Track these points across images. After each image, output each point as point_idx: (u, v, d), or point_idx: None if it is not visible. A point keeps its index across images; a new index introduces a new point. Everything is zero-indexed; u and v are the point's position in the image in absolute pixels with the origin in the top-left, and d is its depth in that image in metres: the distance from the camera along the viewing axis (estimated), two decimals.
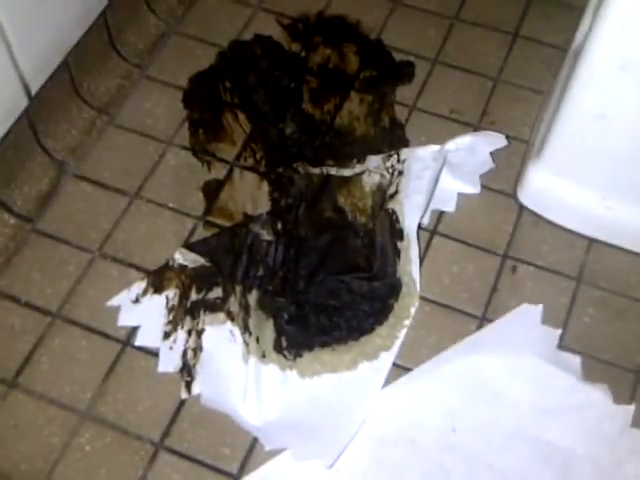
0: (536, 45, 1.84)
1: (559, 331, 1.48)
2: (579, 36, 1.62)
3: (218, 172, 1.66)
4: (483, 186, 1.65)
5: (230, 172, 1.65)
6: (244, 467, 1.38)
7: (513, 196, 1.63)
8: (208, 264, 1.53)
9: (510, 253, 1.58)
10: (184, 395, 1.43)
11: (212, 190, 1.63)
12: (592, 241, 1.59)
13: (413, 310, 1.50)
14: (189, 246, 1.56)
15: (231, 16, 1.88)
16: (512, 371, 1.44)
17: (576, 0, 1.70)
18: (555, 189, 1.57)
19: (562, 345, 1.48)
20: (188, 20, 1.87)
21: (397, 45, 1.84)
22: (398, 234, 1.55)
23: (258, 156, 1.67)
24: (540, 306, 1.51)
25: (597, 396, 1.42)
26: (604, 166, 1.50)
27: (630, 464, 1.38)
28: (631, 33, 1.30)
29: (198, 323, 1.48)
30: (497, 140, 1.66)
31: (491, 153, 1.66)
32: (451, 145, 1.64)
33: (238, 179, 1.65)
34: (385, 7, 1.90)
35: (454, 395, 1.43)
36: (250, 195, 1.62)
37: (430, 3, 1.91)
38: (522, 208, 1.62)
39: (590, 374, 1.44)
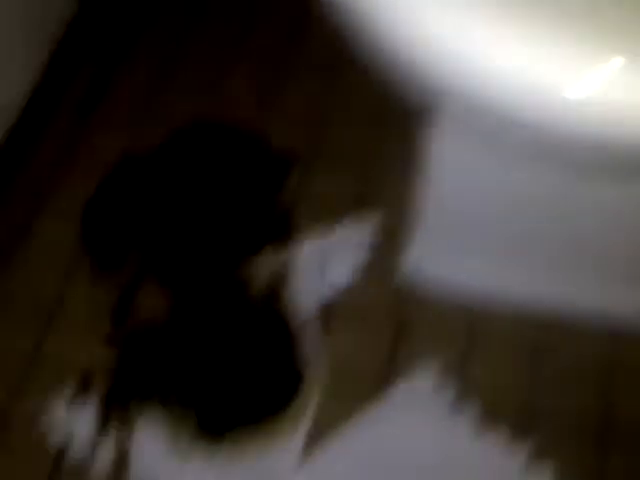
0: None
1: (453, 390, 1.61)
2: None
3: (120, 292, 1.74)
4: (369, 270, 1.76)
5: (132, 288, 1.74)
6: None
7: (398, 275, 1.74)
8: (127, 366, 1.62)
9: (401, 328, 1.69)
10: None
11: (118, 311, 1.72)
12: (475, 307, 1.69)
13: (317, 391, 1.62)
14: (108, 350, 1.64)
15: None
16: (415, 433, 1.56)
17: None
18: (435, 264, 1.72)
19: (457, 403, 1.59)
20: None
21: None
22: (293, 324, 1.67)
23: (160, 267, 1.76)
24: (433, 370, 1.62)
25: (492, 447, 1.55)
26: (472, 236, 1.66)
27: None
28: None
29: (125, 424, 1.57)
30: (376, 225, 1.81)
31: (372, 238, 1.80)
32: (334, 234, 1.79)
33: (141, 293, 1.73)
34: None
35: (364, 468, 1.54)
36: (152, 304, 1.71)
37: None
38: (408, 286, 1.73)
39: (485, 427, 1.57)
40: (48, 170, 1.91)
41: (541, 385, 1.62)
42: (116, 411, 1.58)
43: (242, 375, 1.62)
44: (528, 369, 1.64)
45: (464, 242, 1.67)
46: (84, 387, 1.61)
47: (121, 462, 1.53)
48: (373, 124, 1.97)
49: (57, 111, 1.98)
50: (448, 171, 1.57)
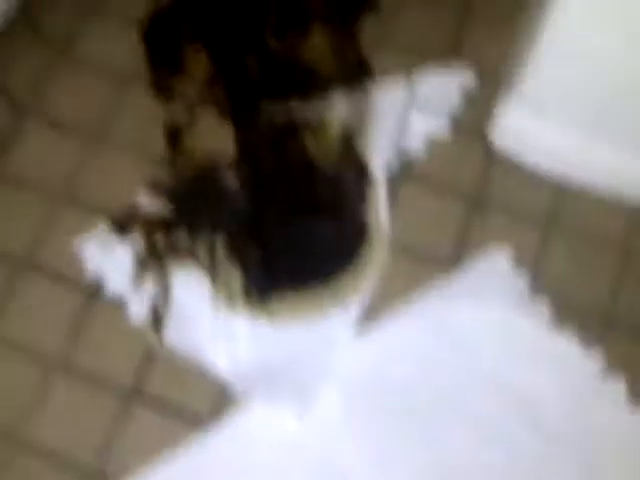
0: None
1: (528, 276, 1.48)
2: None
3: (180, 114, 1.62)
4: (453, 126, 1.62)
5: (192, 112, 1.62)
6: (215, 417, 1.39)
7: (484, 137, 1.60)
8: (173, 209, 1.51)
9: (480, 197, 1.56)
10: (154, 342, 1.42)
11: (174, 132, 1.60)
12: (563, 185, 1.57)
13: (381, 255, 1.49)
14: (153, 190, 1.53)
15: None
16: (482, 319, 1.45)
17: None
18: (530, 130, 1.54)
19: (531, 290, 1.47)
20: None
21: None
22: (366, 177, 1.53)
23: (220, 97, 1.63)
24: (509, 251, 1.50)
25: (566, 344, 1.43)
26: (585, 106, 1.48)
27: (598, 409, 1.40)
28: None
29: (165, 271, 1.47)
30: (466, 78, 1.64)
31: (461, 90, 1.63)
32: (419, 82, 1.62)
33: (201, 122, 1.61)
34: None
35: (423, 343, 1.44)
36: (214, 137, 1.59)
37: None
38: (493, 150, 1.60)
39: (559, 319, 1.45)
40: None
41: (623, 292, 1.50)
42: (157, 254, 1.49)
43: (302, 224, 1.51)
44: (612, 271, 1.52)
45: (561, 112, 1.51)
46: (124, 225, 1.51)
47: (160, 307, 1.44)
48: None
49: None
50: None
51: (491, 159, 1.59)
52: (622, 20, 1.32)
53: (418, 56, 1.68)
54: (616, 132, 1.48)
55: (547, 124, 1.53)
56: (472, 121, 1.62)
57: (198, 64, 1.63)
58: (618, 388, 1.40)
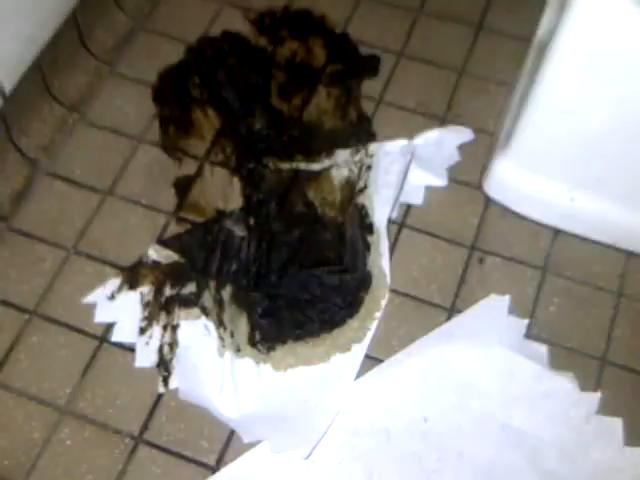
0: (500, 37, 1.87)
1: (526, 321, 1.53)
2: (542, 28, 1.66)
3: (189, 168, 1.68)
4: (450, 179, 1.68)
5: (201, 168, 1.68)
6: (222, 459, 1.41)
7: (480, 188, 1.67)
8: (182, 260, 1.56)
9: (477, 245, 1.62)
10: (161, 389, 1.46)
11: (184, 186, 1.66)
12: (557, 232, 1.62)
13: (384, 302, 1.54)
14: (162, 242, 1.58)
15: (198, 12, 1.89)
16: (481, 360, 1.48)
17: None
18: (521, 181, 1.61)
19: (529, 334, 1.52)
20: (156, 17, 1.89)
21: (362, 38, 1.86)
22: (368, 228, 1.59)
23: (228, 151, 1.69)
24: (507, 296, 1.55)
25: (563, 384, 1.46)
26: (570, 159, 1.54)
27: (595, 449, 1.42)
28: (597, 30, 1.33)
29: (173, 318, 1.51)
30: (463, 134, 1.71)
31: (458, 146, 1.70)
32: (419, 139, 1.69)
33: (209, 175, 1.67)
34: (350, 0, 1.92)
35: (425, 385, 1.47)
36: (221, 191, 1.65)
37: None
38: (489, 200, 1.66)
39: (557, 362, 1.49)
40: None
41: (619, 327, 1.55)
42: (165, 302, 1.53)
43: (306, 273, 1.56)
44: (606, 315, 1.56)
45: (550, 165, 1.58)
46: (133, 275, 1.55)
47: (167, 352, 1.48)
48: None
49: None
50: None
51: (487, 209, 1.65)
52: (609, 82, 1.38)
53: (417, 115, 1.76)
54: (605, 183, 1.54)
55: (538, 176, 1.59)
56: (469, 174, 1.69)
57: (207, 122, 1.70)
58: (614, 428, 1.43)
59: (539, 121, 1.51)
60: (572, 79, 1.41)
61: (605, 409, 1.45)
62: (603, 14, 1.30)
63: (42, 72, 1.68)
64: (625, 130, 1.44)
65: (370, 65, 1.84)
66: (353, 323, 1.52)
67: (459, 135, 1.71)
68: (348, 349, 1.50)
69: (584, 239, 1.61)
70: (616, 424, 1.43)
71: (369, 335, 1.51)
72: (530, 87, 1.50)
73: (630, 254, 1.60)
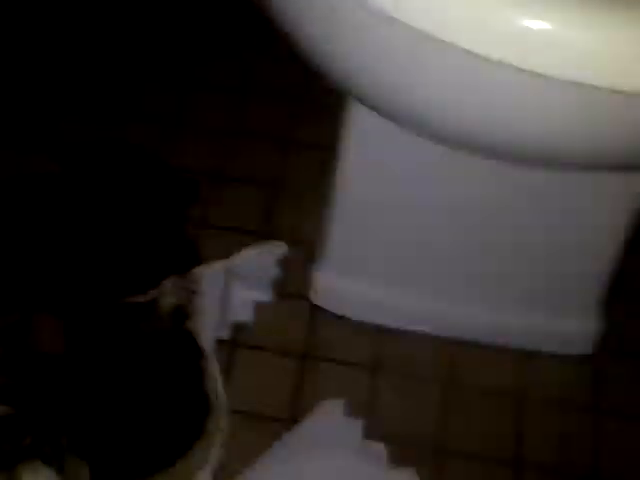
0: (308, 149, 1.94)
1: (361, 421, 1.55)
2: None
3: None
4: (275, 293, 1.72)
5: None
6: None
7: (305, 298, 1.71)
8: (15, 414, 1.54)
9: (308, 353, 1.65)
10: None
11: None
12: (380, 329, 1.67)
13: (224, 423, 1.55)
14: None
15: None
16: (324, 468, 1.50)
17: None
18: (341, 286, 1.66)
19: (367, 434, 1.54)
20: None
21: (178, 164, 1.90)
22: (198, 353, 1.60)
23: None
24: (341, 400, 1.57)
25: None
26: (378, 257, 1.61)
27: None
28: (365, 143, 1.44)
29: (14, 473, 1.49)
30: (279, 248, 1.75)
31: (277, 261, 1.75)
32: (238, 258, 1.73)
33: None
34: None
35: None
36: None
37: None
38: (315, 308, 1.70)
39: (396, 459, 1.52)
40: None
41: (450, 420, 1.59)
42: (5, 455, 1.51)
43: (140, 419, 1.55)
44: (436, 402, 1.61)
45: (366, 267, 1.65)
46: None
47: None
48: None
49: None
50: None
51: (314, 317, 1.69)
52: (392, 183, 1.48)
53: (236, 235, 1.80)
54: (419, 278, 1.61)
55: (357, 279, 1.65)
56: (292, 285, 1.73)
57: None
58: None
59: (344, 225, 1.58)
60: (360, 184, 1.50)
61: None
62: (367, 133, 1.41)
63: None
64: (415, 222, 1.53)
65: (189, 190, 1.86)
66: (195, 452, 1.52)
67: (276, 250, 1.75)
68: (195, 476, 1.50)
69: (408, 334, 1.66)
70: None
71: (213, 461, 1.52)
72: (332, 196, 1.57)
73: (455, 341, 1.66)
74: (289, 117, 2.00)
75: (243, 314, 1.69)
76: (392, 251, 1.59)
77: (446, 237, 1.54)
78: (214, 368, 1.59)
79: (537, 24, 1.02)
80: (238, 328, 1.68)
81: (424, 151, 1.39)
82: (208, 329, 1.63)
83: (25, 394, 1.56)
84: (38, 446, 1.51)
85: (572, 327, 1.65)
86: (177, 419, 1.54)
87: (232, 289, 1.69)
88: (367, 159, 1.47)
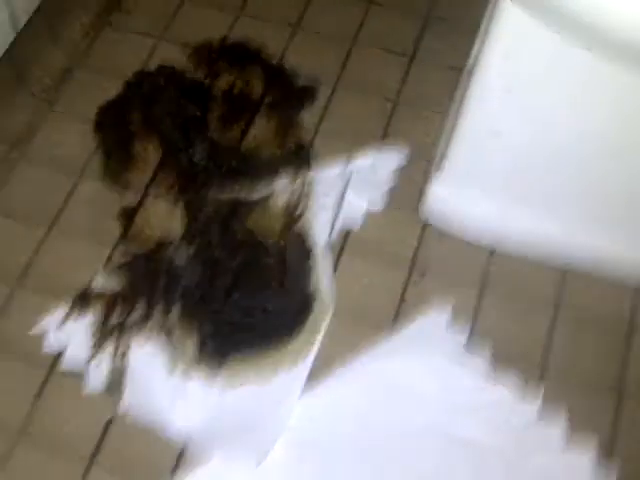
0: (432, 66, 1.92)
1: (465, 333, 1.57)
2: (472, 57, 1.72)
3: (131, 200, 1.70)
4: (387, 203, 1.72)
5: (143, 200, 1.70)
6: (175, 477, 1.44)
7: (416, 211, 1.71)
8: (128, 287, 1.58)
9: (416, 265, 1.66)
10: (113, 413, 1.48)
11: (127, 218, 1.68)
12: (492, 250, 1.67)
13: (325, 322, 1.57)
14: (109, 271, 1.61)
15: (135, 47, 1.92)
16: (422, 373, 1.52)
17: (469, 22, 1.77)
18: (455, 203, 1.66)
19: (469, 345, 1.56)
20: (93, 53, 1.91)
21: (299, 69, 1.90)
22: (308, 251, 1.63)
23: (169, 183, 1.72)
24: (446, 310, 1.59)
25: (503, 393, 1.50)
26: (499, 180, 1.59)
27: (537, 456, 1.46)
28: (514, 58, 1.39)
29: (122, 343, 1.53)
30: (398, 158, 1.75)
31: (393, 171, 1.75)
32: (354, 165, 1.73)
33: (151, 206, 1.69)
34: (286, 32, 1.96)
35: (367, 398, 1.50)
36: (163, 221, 1.67)
37: (329, 27, 1.97)
38: (425, 222, 1.70)
39: (497, 371, 1.53)
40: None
41: (557, 337, 1.59)
42: (114, 327, 1.56)
43: (250, 298, 1.59)
44: (543, 323, 1.61)
45: (483, 183, 1.63)
46: (81, 303, 1.58)
47: (117, 376, 1.51)
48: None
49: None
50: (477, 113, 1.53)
51: (424, 231, 1.70)
52: (528, 104, 1.46)
53: (354, 140, 1.79)
54: (535, 198, 1.60)
55: (472, 197, 1.64)
56: (405, 198, 1.73)
57: (147, 155, 1.73)
58: (555, 432, 1.47)
59: (469, 143, 1.56)
60: (494, 104, 1.47)
61: (545, 414, 1.49)
62: (519, 42, 1.37)
63: None
64: (546, 147, 1.51)
65: (306, 95, 1.88)
66: (297, 343, 1.55)
67: (394, 160, 1.75)
68: (293, 367, 1.53)
69: (520, 253, 1.65)
70: (556, 428, 1.48)
71: (312, 354, 1.54)
72: (460, 112, 1.56)
73: (564, 269, 1.65)
74: (418, 33, 1.98)
75: (353, 220, 1.70)
76: (512, 172, 1.57)
77: (573, 161, 1.52)
78: (324, 267, 1.61)
79: None
80: (347, 234, 1.69)
81: (564, 72, 1.38)
82: (318, 230, 1.65)
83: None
84: (148, 315, 1.55)
85: None
86: (281, 312, 1.57)
87: (345, 195, 1.70)
88: (503, 79, 1.44)
